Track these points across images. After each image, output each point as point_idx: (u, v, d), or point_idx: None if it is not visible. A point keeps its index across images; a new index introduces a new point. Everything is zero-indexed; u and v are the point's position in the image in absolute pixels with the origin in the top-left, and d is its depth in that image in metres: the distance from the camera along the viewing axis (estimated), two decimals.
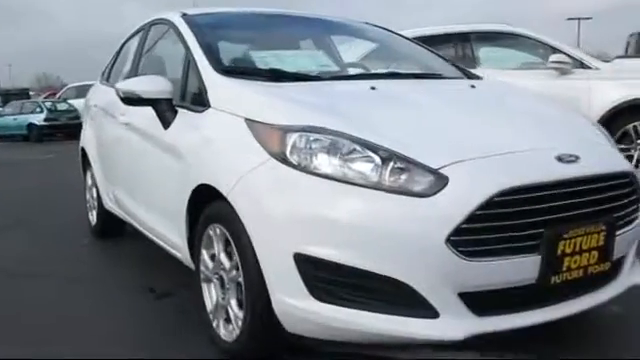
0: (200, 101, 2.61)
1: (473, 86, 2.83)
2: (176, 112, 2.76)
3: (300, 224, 1.94)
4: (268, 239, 2.02)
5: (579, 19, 42.39)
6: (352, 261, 1.88)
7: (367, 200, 1.89)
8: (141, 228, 3.42)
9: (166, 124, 2.78)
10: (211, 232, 2.40)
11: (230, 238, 2.22)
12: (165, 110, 2.78)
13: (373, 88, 2.48)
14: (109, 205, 4.09)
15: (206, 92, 2.57)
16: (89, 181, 4.62)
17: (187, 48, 2.87)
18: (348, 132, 2.01)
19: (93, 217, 4.56)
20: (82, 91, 18.89)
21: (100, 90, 4.47)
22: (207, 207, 2.41)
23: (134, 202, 3.44)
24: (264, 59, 2.89)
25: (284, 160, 2.02)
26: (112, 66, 4.53)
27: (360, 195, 1.90)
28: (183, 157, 2.58)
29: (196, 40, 2.86)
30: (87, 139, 4.49)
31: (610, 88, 5.67)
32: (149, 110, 2.87)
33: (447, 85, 2.98)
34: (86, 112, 4.71)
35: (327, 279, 1.93)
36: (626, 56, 8.71)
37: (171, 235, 2.82)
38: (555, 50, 6.13)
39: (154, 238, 3.18)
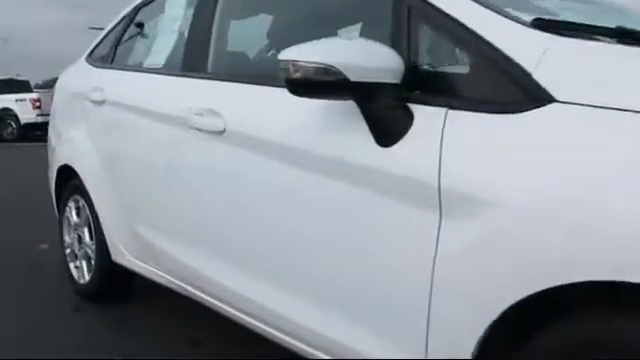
0: (500, 90, 1.24)
1: None
2: (410, 113, 1.39)
3: None
4: None
5: None
6: None
7: None
8: (228, 308, 1.98)
9: (390, 137, 1.39)
10: None
11: None
12: (388, 107, 1.39)
13: None
14: (129, 259, 2.56)
15: (524, 72, 1.21)
16: (74, 217, 3.01)
17: None
18: None
19: (83, 272, 2.96)
20: None
21: (102, 77, 2.87)
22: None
23: (225, 266, 1.97)
24: (548, 10, 1.59)
25: None
26: (118, 42, 2.96)
27: None
28: (473, 209, 1.21)
29: None
30: (81, 153, 2.87)
31: None
32: (301, 105, 1.51)
33: None
34: (71, 111, 3.05)
35: None
36: None
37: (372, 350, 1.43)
38: None
39: (285, 338, 1.76)
